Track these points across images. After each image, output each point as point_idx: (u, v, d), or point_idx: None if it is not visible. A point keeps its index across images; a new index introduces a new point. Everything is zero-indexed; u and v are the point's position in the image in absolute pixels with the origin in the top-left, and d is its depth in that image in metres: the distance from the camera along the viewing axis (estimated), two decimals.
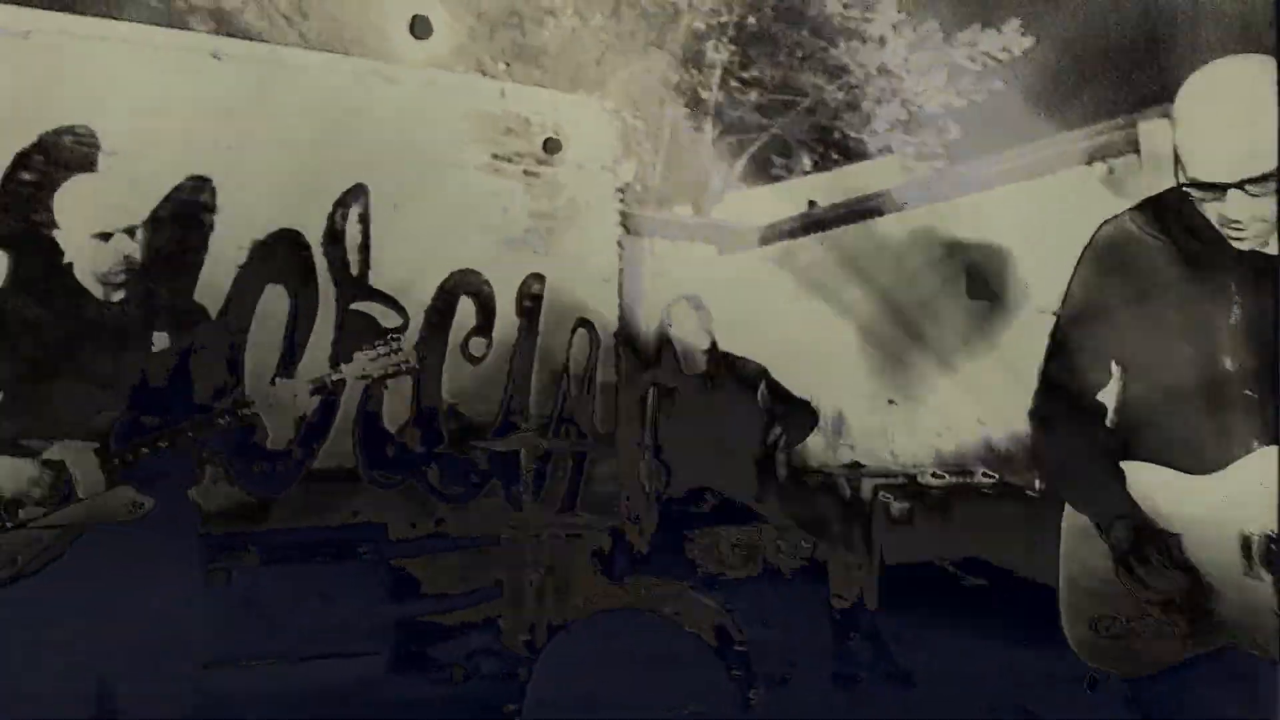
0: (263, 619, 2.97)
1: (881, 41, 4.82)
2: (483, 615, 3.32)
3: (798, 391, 3.76)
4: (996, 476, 3.37)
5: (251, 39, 4.31)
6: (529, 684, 2.77)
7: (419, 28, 3.73)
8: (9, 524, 2.04)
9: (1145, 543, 3.17)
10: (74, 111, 3.13)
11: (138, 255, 2.04)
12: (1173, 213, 3.53)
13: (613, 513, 3.46)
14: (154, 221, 3.22)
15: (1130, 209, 3.62)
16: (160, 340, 2.15)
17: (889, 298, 4.34)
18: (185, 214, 3.34)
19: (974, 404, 4.08)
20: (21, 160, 3.09)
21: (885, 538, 3.29)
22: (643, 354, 4.60)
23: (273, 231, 3.47)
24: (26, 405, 2.06)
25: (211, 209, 3.38)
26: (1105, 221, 3.62)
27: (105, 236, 2.05)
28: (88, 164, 3.09)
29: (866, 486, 3.27)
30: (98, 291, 2.07)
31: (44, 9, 3.19)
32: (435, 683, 3.16)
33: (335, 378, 2.05)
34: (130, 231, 2.06)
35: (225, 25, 4.47)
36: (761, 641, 2.80)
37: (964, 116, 4.57)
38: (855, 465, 3.38)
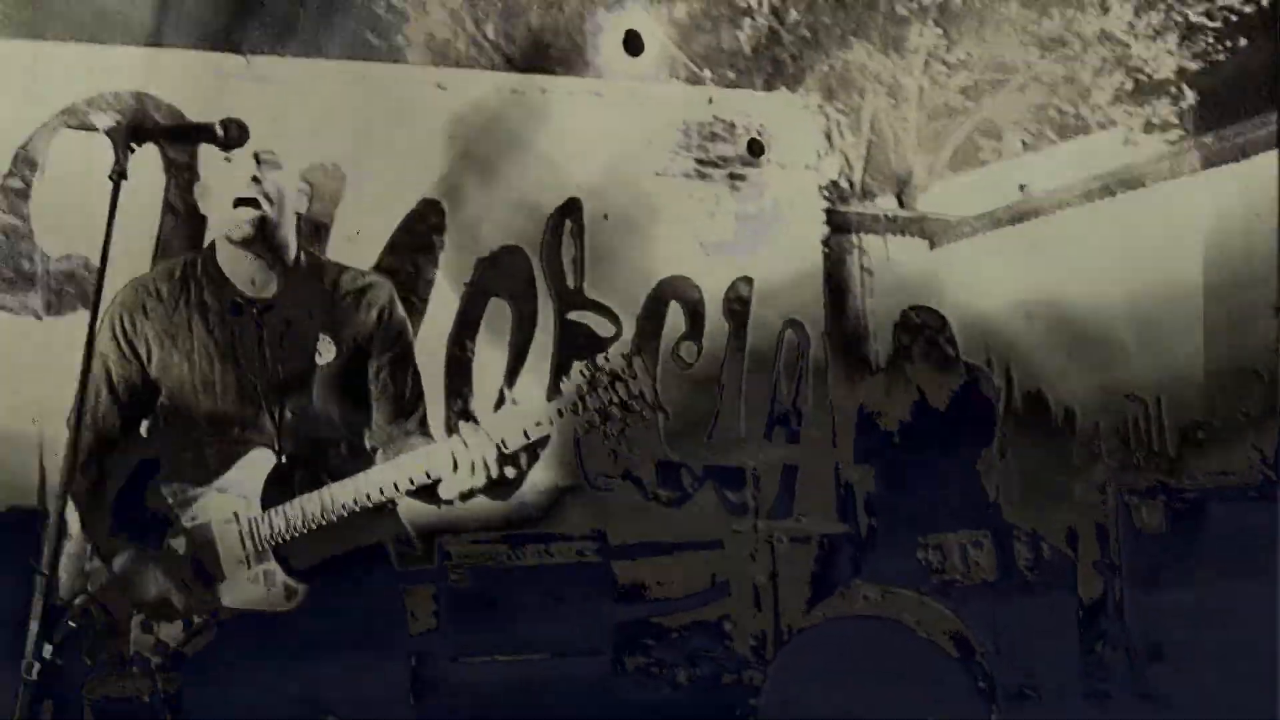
0: (495, 618, 3.11)
1: (1103, 7, 4.48)
2: (707, 618, 3.36)
3: (1024, 390, 3.55)
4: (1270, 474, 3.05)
5: (461, 66, 4.50)
6: (764, 689, 2.76)
7: (631, 44, 3.82)
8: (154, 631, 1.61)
9: None
10: (320, 148, 3.40)
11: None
12: None
13: (833, 517, 3.40)
14: (392, 246, 3.49)
15: None
16: (326, 349, 1.65)
17: (1119, 285, 4.04)
18: (418, 236, 3.58)
19: (1234, 398, 3.73)
20: None
21: (1133, 539, 3.05)
22: (853, 354, 4.49)
23: (495, 249, 3.66)
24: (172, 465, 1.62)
25: (441, 230, 3.60)
26: None
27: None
28: (337, 195, 3.36)
29: (1110, 491, 3.06)
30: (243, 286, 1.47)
31: (282, 56, 3.48)
32: (661, 684, 3.21)
33: (538, 435, 1.36)
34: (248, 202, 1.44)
35: (439, 57, 4.73)
36: (1002, 652, 2.67)
37: (1203, 81, 4.18)
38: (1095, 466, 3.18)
